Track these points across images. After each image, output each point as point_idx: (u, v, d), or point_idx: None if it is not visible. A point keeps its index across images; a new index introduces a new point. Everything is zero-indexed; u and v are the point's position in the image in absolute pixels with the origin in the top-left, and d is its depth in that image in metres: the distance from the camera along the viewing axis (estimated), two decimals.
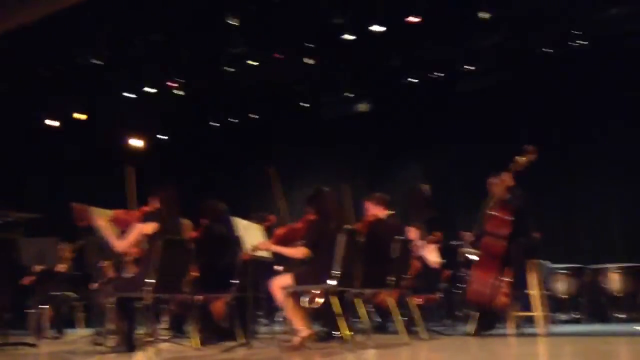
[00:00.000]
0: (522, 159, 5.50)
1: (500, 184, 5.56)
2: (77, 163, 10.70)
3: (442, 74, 9.75)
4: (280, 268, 6.09)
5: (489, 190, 5.74)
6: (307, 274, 4.65)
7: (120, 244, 4.72)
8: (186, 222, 5.31)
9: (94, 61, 8.40)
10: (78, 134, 10.67)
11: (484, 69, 9.14)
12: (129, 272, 7.27)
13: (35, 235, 6.43)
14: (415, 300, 5.61)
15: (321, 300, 6.11)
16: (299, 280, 4.53)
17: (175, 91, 10.00)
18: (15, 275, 7.02)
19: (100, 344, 5.00)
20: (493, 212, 5.52)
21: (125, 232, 4.74)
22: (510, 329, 5.65)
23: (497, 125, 9.13)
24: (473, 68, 9.42)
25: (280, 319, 8.14)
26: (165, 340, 5.41)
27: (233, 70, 9.34)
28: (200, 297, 5.27)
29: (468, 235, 6.16)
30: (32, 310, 7.28)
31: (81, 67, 8.67)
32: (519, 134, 8.30)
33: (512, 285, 5.58)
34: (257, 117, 11.49)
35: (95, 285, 7.75)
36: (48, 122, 10.60)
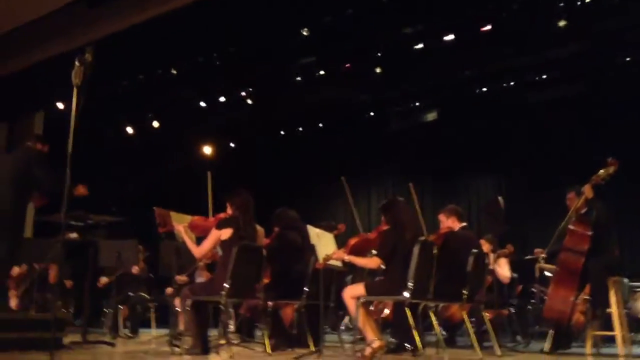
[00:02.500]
0: (602, 172, 5.30)
1: (580, 197, 5.37)
2: (156, 169, 11.10)
3: (513, 83, 9.55)
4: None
5: (568, 204, 5.56)
6: (380, 284, 4.63)
7: (199, 250, 4.85)
8: (259, 229, 5.41)
9: (172, 71, 8.72)
10: (154, 142, 11.09)
11: (559, 79, 8.86)
12: (201, 277, 7.50)
13: (115, 238, 6.70)
14: (485, 315, 5.49)
15: (387, 311, 6.09)
16: (371, 290, 4.52)
17: (247, 100, 10.22)
18: (94, 276, 7.31)
19: (176, 346, 5.15)
20: (572, 227, 5.33)
21: (203, 238, 4.87)
22: (588, 348, 5.43)
23: (575, 136, 8.83)
24: (545, 77, 9.19)
25: (343, 328, 8.16)
26: (235, 344, 5.52)
27: (302, 79, 9.47)
28: (271, 303, 5.34)
29: (540, 251, 5.97)
30: (109, 310, 7.57)
31: (159, 78, 9.03)
32: (596, 146, 8.00)
33: (591, 303, 5.37)
34: (324, 126, 11.58)
35: (169, 290, 8.05)
36: (129, 129, 11.09)
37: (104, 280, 7.74)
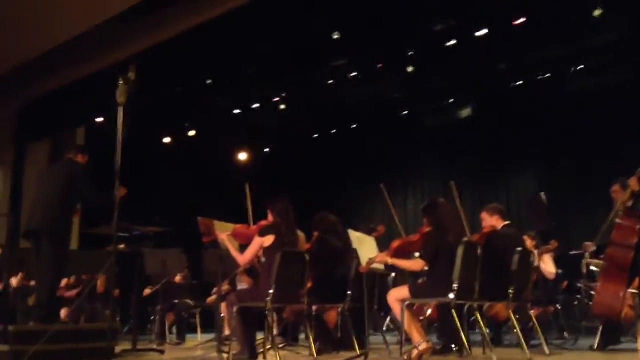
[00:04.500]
0: None
1: (626, 190, 5.25)
2: (194, 177, 11.28)
3: (549, 75, 9.38)
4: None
5: (613, 198, 5.44)
6: (424, 286, 4.62)
7: (243, 258, 4.92)
8: (300, 234, 5.45)
9: (207, 81, 8.86)
10: (191, 151, 11.28)
11: (597, 68, 8.66)
12: (241, 282, 7.60)
13: (160, 247, 6.84)
14: (531, 312, 5.42)
15: (428, 312, 6.06)
16: (416, 292, 4.51)
17: (280, 106, 10.30)
18: (141, 285, 7.47)
19: (224, 351, 5.22)
20: (619, 221, 5.20)
21: (246, 245, 4.93)
22: (639, 343, 5.30)
23: (618, 127, 8.60)
24: (582, 67, 9.00)
25: (385, 329, 8.15)
26: (281, 348, 5.58)
27: (334, 81, 9.50)
28: (315, 307, 5.37)
29: (589, 245, 5.86)
30: (156, 317, 7.73)
31: (194, 87, 9.18)
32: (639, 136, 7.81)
33: None
34: (358, 127, 11.58)
35: (212, 298, 8.17)
36: (166, 139, 11.31)
37: (147, 291, 7.89)
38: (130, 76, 3.27)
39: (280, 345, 5.84)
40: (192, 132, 11.14)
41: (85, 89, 8.64)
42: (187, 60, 8.35)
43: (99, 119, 10.00)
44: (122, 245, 6.02)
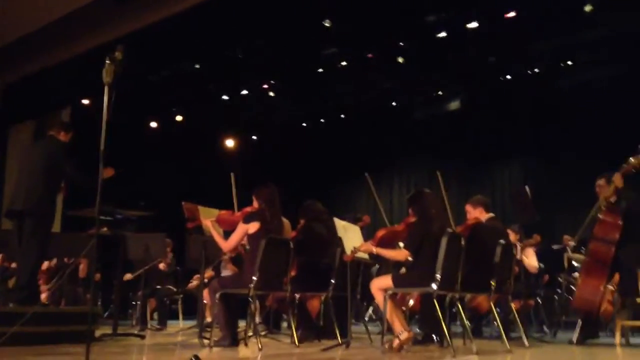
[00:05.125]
0: (633, 160, 5.21)
1: (610, 186, 5.30)
2: (180, 163, 11.20)
3: (538, 70, 9.43)
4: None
5: (597, 192, 5.49)
6: (407, 276, 4.63)
7: (227, 244, 4.90)
8: (285, 222, 5.44)
9: (196, 66, 8.78)
10: (179, 136, 11.20)
11: (587, 64, 8.71)
12: (226, 270, 7.58)
13: (144, 232, 6.79)
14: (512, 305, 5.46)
15: (412, 302, 6.09)
16: (399, 282, 4.52)
17: (269, 93, 10.25)
18: (123, 269, 7.42)
19: (206, 338, 5.21)
20: (602, 216, 5.26)
21: (230, 232, 4.91)
22: (617, 338, 5.38)
23: (604, 123, 8.67)
24: (570, 63, 9.05)
25: (367, 318, 8.19)
26: (263, 336, 5.58)
27: (324, 71, 9.46)
28: (298, 295, 5.38)
29: (568, 239, 5.91)
30: (138, 302, 7.69)
31: (183, 72, 9.10)
32: (627, 132, 7.86)
33: (620, 293, 5.32)
34: (347, 117, 11.58)
35: (194, 283, 8.14)
36: (152, 124, 11.21)
37: (128, 275, 7.84)
38: (118, 56, 3.22)
39: (263, 333, 5.84)
40: (179, 117, 11.06)
41: (72, 70, 8.51)
42: (177, 44, 8.26)
43: (85, 101, 9.90)
44: (104, 229, 5.97)
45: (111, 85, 3.22)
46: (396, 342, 4.42)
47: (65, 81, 8.90)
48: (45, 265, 7.64)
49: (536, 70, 9.39)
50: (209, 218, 5.03)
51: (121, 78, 3.31)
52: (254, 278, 4.55)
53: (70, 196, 5.81)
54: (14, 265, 7.52)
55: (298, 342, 5.02)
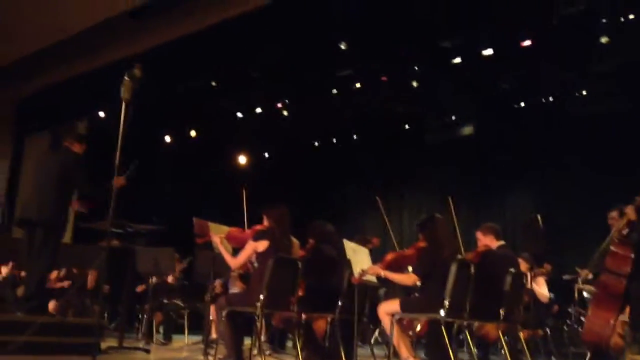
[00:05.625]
0: None
1: (622, 218, 5.26)
2: (194, 179, 11.27)
3: (552, 99, 9.43)
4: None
5: (610, 224, 5.45)
6: (416, 301, 4.60)
7: (235, 262, 4.91)
8: (294, 242, 5.43)
9: (212, 83, 8.87)
10: (192, 152, 11.28)
11: (601, 94, 8.70)
12: (235, 287, 7.57)
13: (154, 246, 6.82)
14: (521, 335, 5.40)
15: (418, 328, 6.04)
16: (407, 307, 4.50)
17: (283, 112, 10.32)
18: (132, 282, 7.44)
19: (210, 355, 5.20)
20: (614, 248, 5.21)
21: (239, 249, 4.92)
22: None
23: (617, 154, 8.62)
24: (585, 93, 9.05)
25: (373, 342, 8.11)
26: (268, 355, 5.55)
27: (338, 92, 9.53)
28: (305, 316, 5.34)
29: (584, 272, 5.85)
30: (145, 316, 7.69)
31: (200, 89, 9.20)
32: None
33: (631, 327, 5.24)
34: (359, 139, 11.61)
35: (206, 299, 8.13)
36: (167, 139, 11.31)
37: (141, 287, 7.86)
38: (136, 73, 3.28)
39: (267, 352, 5.81)
40: (193, 133, 11.15)
41: (89, 84, 8.63)
42: (194, 61, 8.37)
43: (102, 115, 10.01)
44: (115, 242, 6.01)
45: (129, 101, 3.27)
46: None
47: (82, 94, 9.03)
48: (54, 274, 7.67)
49: (550, 98, 9.38)
50: (218, 234, 5.04)
51: (138, 94, 3.37)
52: (261, 296, 4.54)
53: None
54: (23, 273, 7.56)
55: None
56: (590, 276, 5.72)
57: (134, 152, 4.83)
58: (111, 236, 4.69)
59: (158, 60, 7.95)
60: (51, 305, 7.30)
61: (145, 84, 3.51)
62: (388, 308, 4.52)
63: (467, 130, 10.36)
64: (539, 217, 5.80)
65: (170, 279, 7.92)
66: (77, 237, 8.75)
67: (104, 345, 5.48)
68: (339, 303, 5.15)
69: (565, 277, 6.35)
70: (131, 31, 7.68)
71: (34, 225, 5.16)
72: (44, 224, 5.13)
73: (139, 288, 7.85)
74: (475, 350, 5.30)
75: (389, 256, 4.63)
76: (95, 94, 8.75)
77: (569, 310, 7.07)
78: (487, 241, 5.28)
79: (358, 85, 9.26)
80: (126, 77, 3.25)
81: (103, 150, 5.04)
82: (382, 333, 7.57)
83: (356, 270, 4.76)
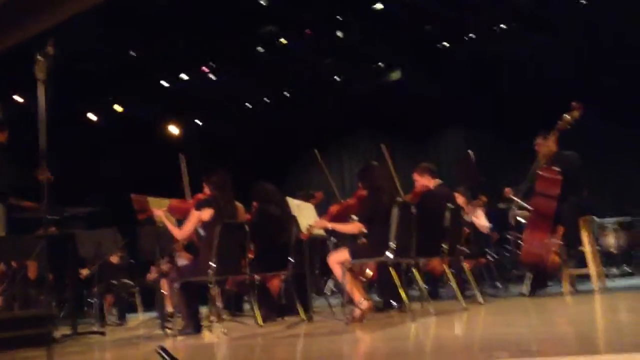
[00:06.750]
0: (567, 117, 5.44)
1: (548, 143, 5.53)
2: (123, 154, 10.92)
3: (474, 36, 9.61)
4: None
5: (536, 150, 5.71)
6: (363, 247, 4.72)
7: (181, 233, 4.87)
8: (239, 206, 5.43)
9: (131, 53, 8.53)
10: (119, 126, 10.90)
11: (525, 28, 8.93)
12: (181, 258, 7.52)
13: (93, 227, 6.64)
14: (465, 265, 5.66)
15: (370, 273, 6.24)
16: (356, 254, 4.61)
17: (210, 76, 10.09)
18: (75, 268, 7.25)
19: (168, 328, 5.19)
20: (542, 173, 5.49)
21: (183, 220, 4.87)
22: (565, 287, 5.66)
23: (542, 86, 8.95)
24: (505, 27, 9.26)
25: (328, 292, 8.32)
26: (227, 320, 5.60)
27: (264, 50, 9.39)
28: (258, 276, 5.40)
29: (508, 191, 6.07)
30: (94, 300, 7.56)
31: (118, 61, 8.83)
32: (561, 91, 8.17)
33: (565, 244, 5.58)
34: (290, 95, 11.53)
35: (153, 275, 8.05)
36: (90, 115, 10.86)
37: (85, 271, 7.68)
38: (49, 50, 3.11)
39: (225, 318, 5.86)
40: (119, 108, 10.76)
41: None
42: (110, 32, 8.00)
43: (18, 99, 9.49)
44: (53, 229, 5.81)
45: (45, 82, 3.12)
46: (357, 312, 4.52)
47: None
48: None
49: (472, 36, 9.56)
50: (159, 208, 4.97)
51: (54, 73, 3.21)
52: (212, 264, 4.55)
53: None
54: None
55: (262, 322, 5.07)
56: (513, 196, 5.95)
57: (58, 133, 4.63)
58: (48, 223, 4.52)
59: (70, 34, 7.53)
60: None
61: (60, 62, 3.34)
62: (338, 257, 4.62)
63: (395, 75, 10.47)
64: (471, 153, 6.00)
65: (114, 259, 7.77)
66: (12, 228, 8.39)
67: (57, 334, 5.37)
68: (290, 260, 5.23)
69: (501, 205, 6.65)
70: (40, 6, 7.22)
71: None
72: None
73: (83, 272, 7.66)
74: (425, 286, 5.55)
75: (333, 208, 4.71)
76: (8, 76, 8.26)
77: (508, 236, 7.45)
78: (424, 181, 5.44)
79: (283, 40, 9.14)
80: (39, 56, 3.08)
81: (24, 136, 4.79)
82: (336, 283, 7.77)
83: (303, 226, 4.82)
